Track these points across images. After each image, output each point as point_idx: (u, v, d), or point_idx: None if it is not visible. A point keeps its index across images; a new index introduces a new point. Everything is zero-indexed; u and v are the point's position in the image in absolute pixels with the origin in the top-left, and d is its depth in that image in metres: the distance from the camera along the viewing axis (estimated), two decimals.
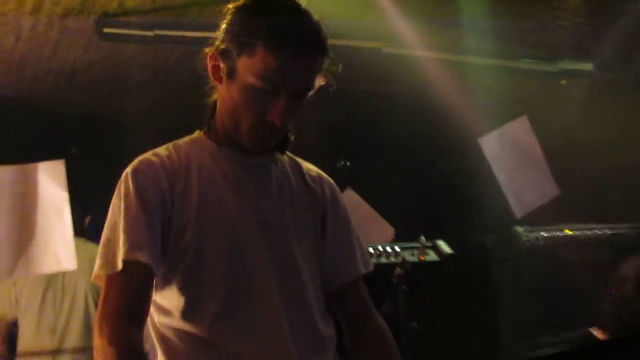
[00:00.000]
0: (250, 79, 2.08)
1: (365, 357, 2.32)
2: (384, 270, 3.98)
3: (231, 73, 2.12)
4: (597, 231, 5.09)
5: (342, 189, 3.61)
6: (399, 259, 4.07)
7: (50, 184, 3.46)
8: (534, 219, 4.62)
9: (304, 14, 2.11)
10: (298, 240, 2.25)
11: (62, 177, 3.49)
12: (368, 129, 5.57)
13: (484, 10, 4.83)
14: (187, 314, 2.15)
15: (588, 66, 6.00)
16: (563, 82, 5.75)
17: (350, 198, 4.11)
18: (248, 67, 2.08)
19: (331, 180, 2.40)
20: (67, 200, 3.48)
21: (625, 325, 2.70)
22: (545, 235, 4.96)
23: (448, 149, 4.88)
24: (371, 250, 4.12)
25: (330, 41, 2.14)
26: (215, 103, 2.25)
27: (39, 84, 6.44)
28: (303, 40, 2.07)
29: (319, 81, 2.20)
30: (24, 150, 4.07)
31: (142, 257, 2.08)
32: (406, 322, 3.93)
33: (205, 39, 2.21)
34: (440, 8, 4.77)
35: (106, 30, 5.26)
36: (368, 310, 2.37)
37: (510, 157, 4.25)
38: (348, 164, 4.44)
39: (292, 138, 2.32)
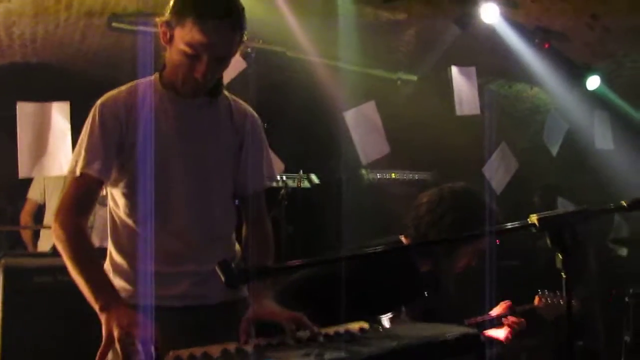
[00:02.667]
0: (181, 46, 1.91)
1: (253, 247, 2.18)
2: (274, 191, 3.93)
3: (171, 39, 1.95)
4: (410, 176, 5.17)
5: None
6: (283, 184, 4.03)
7: (59, 116, 3.27)
8: (373, 165, 4.63)
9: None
10: (215, 160, 2.10)
11: (67, 113, 3.31)
12: (277, 104, 5.38)
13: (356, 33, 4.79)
14: (125, 210, 2.04)
15: (414, 77, 6.05)
16: (398, 82, 5.79)
17: None
18: (180, 36, 1.91)
19: (255, 115, 2.22)
20: (69, 128, 3.26)
21: (420, 232, 2.67)
22: (379, 176, 5.00)
23: (324, 118, 4.78)
24: None
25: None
26: (165, 59, 2.06)
27: (69, 59, 6.00)
28: (222, 20, 1.90)
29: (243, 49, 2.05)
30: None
31: (93, 171, 1.95)
32: (285, 225, 3.89)
33: None
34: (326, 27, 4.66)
35: (114, 24, 4.99)
36: (262, 216, 2.23)
37: (361, 125, 4.22)
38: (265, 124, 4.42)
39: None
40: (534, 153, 5.93)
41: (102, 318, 1.74)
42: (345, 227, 3.55)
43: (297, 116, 5.25)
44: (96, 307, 1.77)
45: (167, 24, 1.94)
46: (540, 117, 6.45)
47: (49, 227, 4.66)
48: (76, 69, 6.20)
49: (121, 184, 2.02)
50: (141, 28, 4.66)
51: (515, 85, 6.43)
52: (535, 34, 5.07)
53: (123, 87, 2.07)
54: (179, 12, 1.91)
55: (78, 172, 1.95)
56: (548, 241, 1.51)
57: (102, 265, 2.00)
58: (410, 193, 4.76)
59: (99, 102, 2.03)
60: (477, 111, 4.72)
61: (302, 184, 4.15)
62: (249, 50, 3.87)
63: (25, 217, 4.88)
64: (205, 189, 2.07)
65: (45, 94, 3.46)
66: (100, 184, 1.99)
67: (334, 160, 4.67)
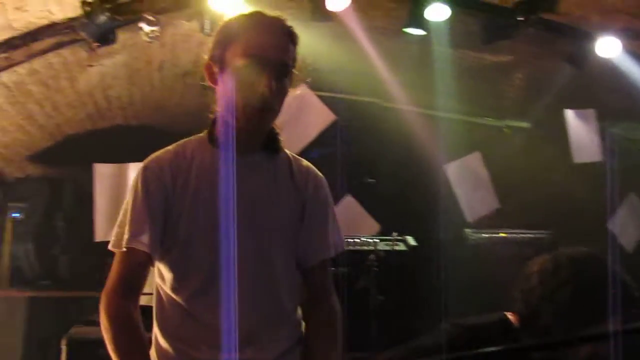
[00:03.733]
0: (237, 60, 1.66)
1: (313, 331, 1.82)
2: (362, 256, 3.57)
3: (222, 65, 1.69)
4: (522, 235, 4.63)
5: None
6: (373, 248, 3.65)
7: None
8: (479, 224, 4.17)
9: (276, 16, 1.74)
10: (277, 230, 1.78)
11: None
12: (371, 159, 5.06)
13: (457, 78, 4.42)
14: (174, 285, 1.72)
15: (525, 124, 5.54)
16: (505, 129, 5.31)
17: (349, 202, 3.61)
18: (234, 52, 1.67)
19: (318, 174, 1.90)
20: None
21: (532, 308, 2.20)
22: (486, 235, 4.51)
23: (423, 172, 4.40)
24: (357, 240, 3.68)
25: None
26: (215, 113, 1.80)
27: (168, 120, 6.02)
28: (274, 25, 1.71)
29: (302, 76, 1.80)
30: None
31: (140, 245, 1.67)
32: (375, 295, 3.48)
33: None
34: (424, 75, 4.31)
35: (204, 83, 4.92)
36: (326, 290, 1.87)
37: (466, 179, 3.84)
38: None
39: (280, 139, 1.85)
40: None
41: None
42: (448, 295, 3.11)
43: (393, 171, 4.89)
44: None
45: (213, 57, 1.72)
46: None
47: None
48: (177, 129, 6.21)
49: (168, 256, 1.73)
50: None
51: None
52: None
53: (170, 147, 1.81)
54: (226, 36, 1.71)
55: (124, 247, 1.69)
56: None
57: None
58: (524, 254, 4.25)
59: (142, 164, 1.77)
60: (597, 158, 4.20)
61: (396, 247, 3.76)
62: (337, 100, 3.60)
63: None
64: (267, 259, 1.75)
65: (140, 156, 3.33)
66: (147, 260, 1.71)
67: (434, 219, 4.25)
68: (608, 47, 4.18)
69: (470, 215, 3.81)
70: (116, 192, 3.12)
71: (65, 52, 3.64)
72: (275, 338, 1.75)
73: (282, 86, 1.71)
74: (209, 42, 1.77)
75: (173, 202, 1.72)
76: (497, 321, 2.25)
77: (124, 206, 1.76)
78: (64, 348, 2.88)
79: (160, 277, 1.77)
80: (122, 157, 3.30)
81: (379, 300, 3.41)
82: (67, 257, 5.21)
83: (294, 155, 1.90)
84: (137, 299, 1.71)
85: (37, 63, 3.73)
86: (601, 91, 4.74)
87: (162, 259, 1.75)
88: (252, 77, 1.66)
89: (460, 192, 3.82)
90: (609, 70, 4.35)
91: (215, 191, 1.72)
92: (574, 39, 4.29)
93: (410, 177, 4.84)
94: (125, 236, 1.69)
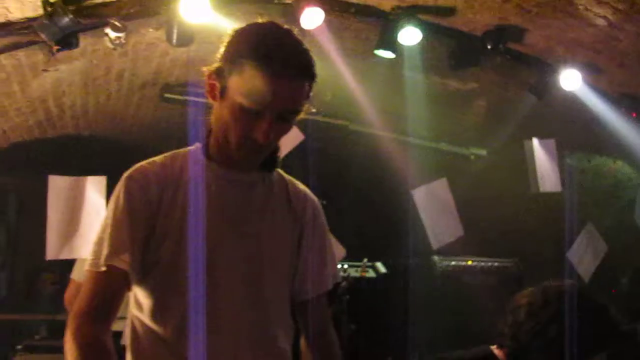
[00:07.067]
0: (239, 98, 1.43)
1: None
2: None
3: (223, 91, 1.46)
4: (489, 263, 4.56)
5: None
6: (346, 275, 3.49)
7: (94, 192, 2.91)
8: (444, 251, 4.08)
9: (293, 40, 1.46)
10: (271, 258, 1.58)
11: (104, 189, 2.94)
12: (338, 182, 4.93)
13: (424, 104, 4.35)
14: (155, 314, 1.49)
15: (484, 151, 5.54)
16: (472, 157, 5.28)
17: None
18: (237, 86, 1.43)
19: (316, 200, 1.72)
20: (104, 206, 2.91)
21: (521, 343, 2.10)
22: (453, 263, 4.42)
23: (389, 197, 4.29)
24: None
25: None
26: (209, 126, 1.59)
27: (121, 132, 5.73)
28: (289, 64, 1.41)
29: (307, 108, 1.55)
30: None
31: (120, 263, 1.44)
32: (347, 323, 3.33)
33: None
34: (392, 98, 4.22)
35: (166, 95, 4.79)
36: (325, 324, 1.71)
37: (431, 205, 3.72)
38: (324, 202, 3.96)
39: (280, 158, 1.65)
40: (620, 232, 5.26)
41: None
42: (418, 324, 2.98)
43: (359, 195, 4.76)
44: None
45: (218, 72, 1.49)
46: (624, 193, 5.79)
47: None
48: (130, 142, 5.95)
49: (149, 280, 1.52)
50: (192, 98, 4.37)
51: (595, 158, 5.82)
52: (621, 102, 4.53)
53: (157, 158, 1.59)
54: (236, 56, 1.45)
55: (102, 266, 1.46)
56: None
57: None
58: (490, 283, 4.18)
59: (125, 175, 1.55)
60: (558, 188, 4.18)
61: (366, 274, 3.62)
62: (306, 120, 3.45)
63: (69, 299, 4.48)
64: (259, 289, 1.56)
65: (92, 168, 3.12)
66: (125, 280, 1.49)
67: (401, 247, 4.15)
68: (570, 80, 4.20)
69: (435, 243, 3.71)
70: (71, 206, 2.88)
71: (20, 54, 3.37)
72: None
73: (284, 128, 1.52)
74: (220, 48, 1.52)
75: (158, 219, 1.51)
76: (482, 356, 2.14)
77: (102, 222, 1.53)
78: None
79: (137, 306, 1.55)
80: (71, 168, 3.09)
81: (352, 330, 3.26)
82: (5, 274, 4.84)
83: (290, 178, 1.72)
84: (110, 325, 1.48)
85: None
86: (560, 122, 4.77)
87: (142, 283, 1.53)
88: (249, 123, 1.46)
89: (427, 219, 3.71)
90: (569, 102, 4.38)
91: (207, 211, 1.52)
92: (537, 70, 4.30)
93: (378, 201, 4.73)
94: (104, 252, 1.47)
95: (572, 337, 2.02)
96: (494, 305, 2.42)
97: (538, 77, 4.32)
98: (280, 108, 1.46)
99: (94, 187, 2.87)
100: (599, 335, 2.02)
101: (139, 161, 1.60)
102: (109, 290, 1.48)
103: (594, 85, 4.40)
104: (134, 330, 1.55)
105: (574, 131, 4.92)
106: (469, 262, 4.47)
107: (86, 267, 1.50)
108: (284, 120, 1.49)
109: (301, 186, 1.73)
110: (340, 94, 4.04)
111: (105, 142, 5.68)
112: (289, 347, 1.64)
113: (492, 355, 2.14)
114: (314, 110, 3.35)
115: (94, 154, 5.36)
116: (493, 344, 2.17)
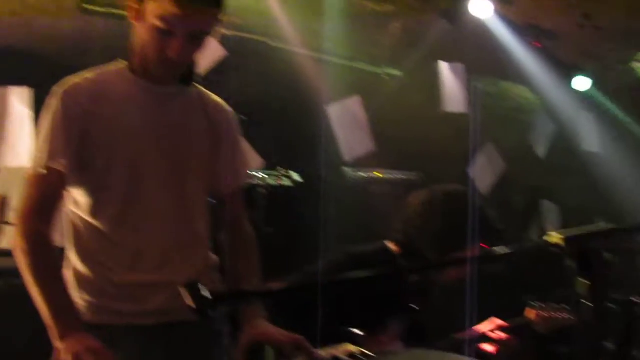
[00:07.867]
0: (153, 20, 1.64)
1: (233, 252, 1.95)
2: (252, 190, 3.65)
3: (141, 15, 1.67)
4: (396, 175, 4.94)
5: None
6: (264, 184, 3.73)
7: (18, 103, 2.96)
8: (356, 163, 4.37)
9: None
10: (192, 159, 1.84)
11: (27, 99, 2.99)
12: (257, 96, 5.08)
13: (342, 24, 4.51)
14: (93, 211, 1.73)
15: (398, 72, 5.77)
16: (384, 76, 5.53)
17: None
18: (152, 10, 1.64)
19: (230, 110, 1.97)
20: (29, 116, 2.96)
21: (410, 237, 2.43)
22: (363, 175, 4.76)
23: (308, 111, 4.49)
24: None
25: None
26: (133, 44, 1.79)
27: (36, 42, 5.58)
28: None
29: (217, 30, 1.75)
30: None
31: (57, 165, 1.66)
32: (264, 227, 3.60)
33: None
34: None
35: (85, 6, 4.67)
36: (241, 217, 1.98)
37: (346, 121, 3.96)
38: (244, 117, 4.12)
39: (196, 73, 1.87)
40: (518, 153, 5.71)
41: (58, 348, 1.52)
42: (328, 228, 3.28)
43: (277, 109, 4.96)
44: (54, 335, 1.55)
45: None
46: (525, 117, 6.24)
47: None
48: (44, 53, 5.83)
49: (85, 183, 1.74)
50: (115, 11, 4.35)
51: (501, 83, 6.21)
52: (526, 32, 4.86)
53: (87, 74, 1.80)
54: None
55: (42, 168, 1.67)
56: (574, 265, 1.25)
57: (65, 284, 1.71)
58: (396, 193, 4.51)
59: (60, 89, 1.75)
60: (463, 109, 4.50)
61: (282, 182, 3.87)
62: (227, 37, 3.56)
63: None
64: (181, 186, 1.81)
65: (8, 80, 3.15)
66: (63, 181, 1.71)
67: (316, 157, 4.40)
68: (481, 8, 4.48)
69: (348, 155, 3.96)
70: None
71: None
72: (189, 260, 1.82)
73: (196, 46, 1.73)
74: None
75: (92, 129, 1.72)
76: (379, 249, 2.45)
77: (40, 129, 1.73)
78: None
79: (75, 204, 1.77)
80: None
81: (268, 231, 3.53)
82: None
83: (204, 89, 1.94)
84: (52, 223, 1.71)
85: None
86: (469, 48, 5.05)
87: (78, 184, 1.75)
88: (164, 43, 1.67)
89: (340, 133, 3.94)
90: (480, 30, 4.66)
91: (135, 120, 1.75)
92: None
93: (295, 116, 4.93)
94: (44, 157, 1.67)
95: (453, 232, 2.34)
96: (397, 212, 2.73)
97: (451, 4, 4.57)
98: (190, 29, 1.67)
99: (18, 98, 2.94)
100: (475, 230, 2.36)
101: (50, 74, 1.80)
102: (49, 190, 1.70)
103: (504, 14, 4.70)
104: (73, 225, 1.78)
105: (484, 57, 5.22)
106: (378, 175, 4.82)
107: (27, 173, 1.70)
108: (195, 39, 1.70)
109: (215, 97, 1.96)
110: (261, 11, 4.15)
111: (20, 53, 5.57)
112: (207, 234, 1.91)
113: (387, 248, 2.46)
114: (233, 27, 3.46)
115: (8, 66, 5.27)
116: (388, 240, 2.49)
